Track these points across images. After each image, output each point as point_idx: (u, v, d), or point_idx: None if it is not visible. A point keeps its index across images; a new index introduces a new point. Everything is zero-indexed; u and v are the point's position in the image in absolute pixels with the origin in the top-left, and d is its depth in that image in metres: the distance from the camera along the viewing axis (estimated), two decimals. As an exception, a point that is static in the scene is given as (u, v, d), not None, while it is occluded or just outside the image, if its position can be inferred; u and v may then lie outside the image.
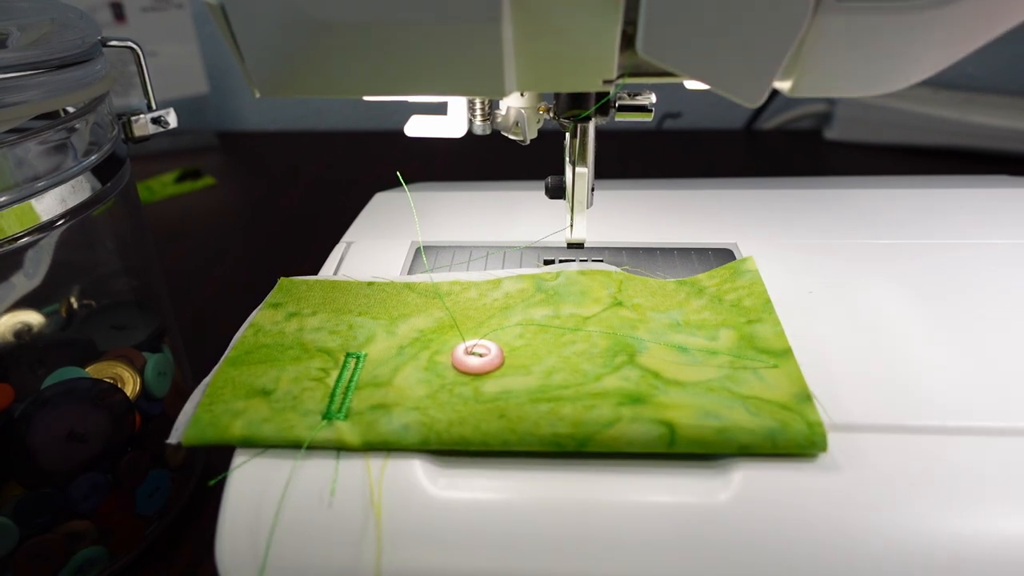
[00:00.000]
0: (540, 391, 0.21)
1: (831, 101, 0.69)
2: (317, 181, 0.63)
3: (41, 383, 0.28)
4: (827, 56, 0.18)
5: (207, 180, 0.64)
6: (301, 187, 0.62)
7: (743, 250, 0.29)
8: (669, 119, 0.73)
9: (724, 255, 0.29)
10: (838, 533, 0.19)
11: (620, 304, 0.25)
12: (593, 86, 0.20)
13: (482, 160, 0.61)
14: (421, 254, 0.30)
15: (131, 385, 0.30)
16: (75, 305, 0.33)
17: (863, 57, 0.18)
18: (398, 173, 0.29)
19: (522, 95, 0.24)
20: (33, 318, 0.31)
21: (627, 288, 0.26)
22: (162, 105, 0.30)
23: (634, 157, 0.65)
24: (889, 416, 0.21)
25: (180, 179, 0.63)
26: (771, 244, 0.30)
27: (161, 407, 0.31)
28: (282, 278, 0.28)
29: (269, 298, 0.27)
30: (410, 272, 0.29)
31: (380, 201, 0.36)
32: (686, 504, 0.19)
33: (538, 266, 0.29)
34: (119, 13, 0.68)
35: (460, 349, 0.23)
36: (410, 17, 0.18)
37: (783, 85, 0.20)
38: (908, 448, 0.20)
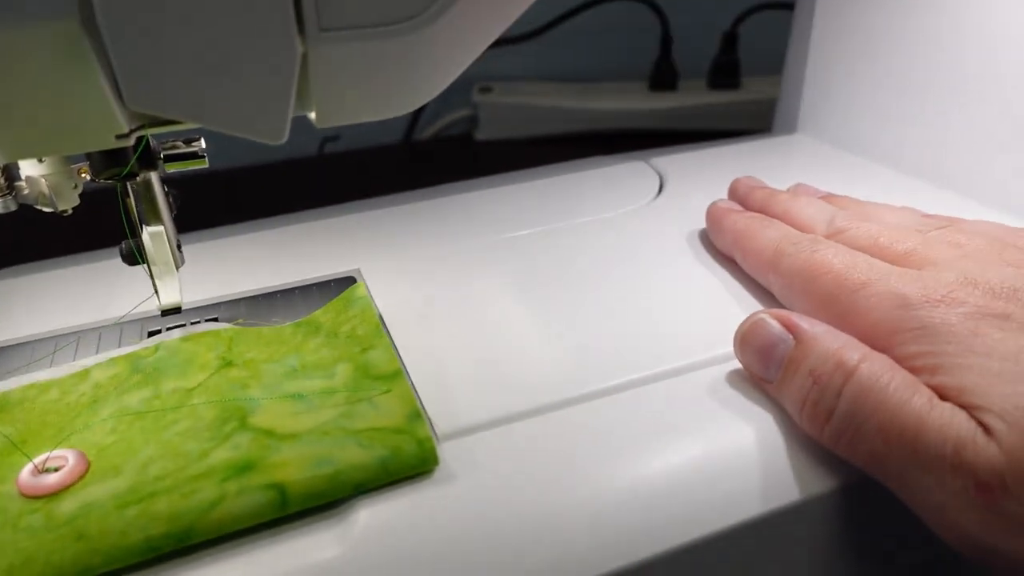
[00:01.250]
0: (131, 492, 0.19)
1: (474, 104, 0.73)
2: None
3: None
4: (338, 83, 0.18)
5: None
6: None
7: (366, 274, 0.29)
8: (329, 143, 0.72)
9: (345, 284, 0.29)
10: (466, 539, 0.19)
11: (230, 364, 0.23)
12: (107, 144, 0.18)
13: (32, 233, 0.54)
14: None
15: None
16: None
17: (372, 80, 0.18)
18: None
19: (40, 161, 0.21)
20: None
21: (238, 344, 0.24)
22: None
23: (295, 187, 0.63)
24: (494, 411, 0.22)
25: None
26: (393, 261, 0.30)
27: None
28: None
29: None
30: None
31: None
32: (305, 567, 0.18)
33: (141, 342, 0.25)
34: None
35: (27, 471, 0.19)
36: None
37: (311, 116, 0.19)
38: (513, 436, 0.21)
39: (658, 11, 0.72)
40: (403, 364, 0.24)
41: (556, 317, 0.26)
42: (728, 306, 0.27)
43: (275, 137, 0.18)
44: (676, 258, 0.30)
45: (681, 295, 0.28)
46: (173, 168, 0.22)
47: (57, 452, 0.20)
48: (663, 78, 0.73)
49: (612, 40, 0.77)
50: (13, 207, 0.21)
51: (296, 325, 0.25)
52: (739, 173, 0.34)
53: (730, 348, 0.24)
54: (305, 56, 0.17)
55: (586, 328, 0.26)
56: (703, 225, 0.31)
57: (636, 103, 0.72)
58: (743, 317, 0.23)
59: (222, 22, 0.16)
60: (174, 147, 0.22)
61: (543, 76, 0.76)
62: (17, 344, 0.26)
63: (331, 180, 0.65)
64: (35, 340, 0.26)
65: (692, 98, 0.71)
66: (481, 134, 0.73)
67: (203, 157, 0.22)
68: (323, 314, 0.26)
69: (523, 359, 0.24)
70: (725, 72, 0.71)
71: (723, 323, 0.25)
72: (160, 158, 0.21)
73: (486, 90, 0.72)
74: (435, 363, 0.24)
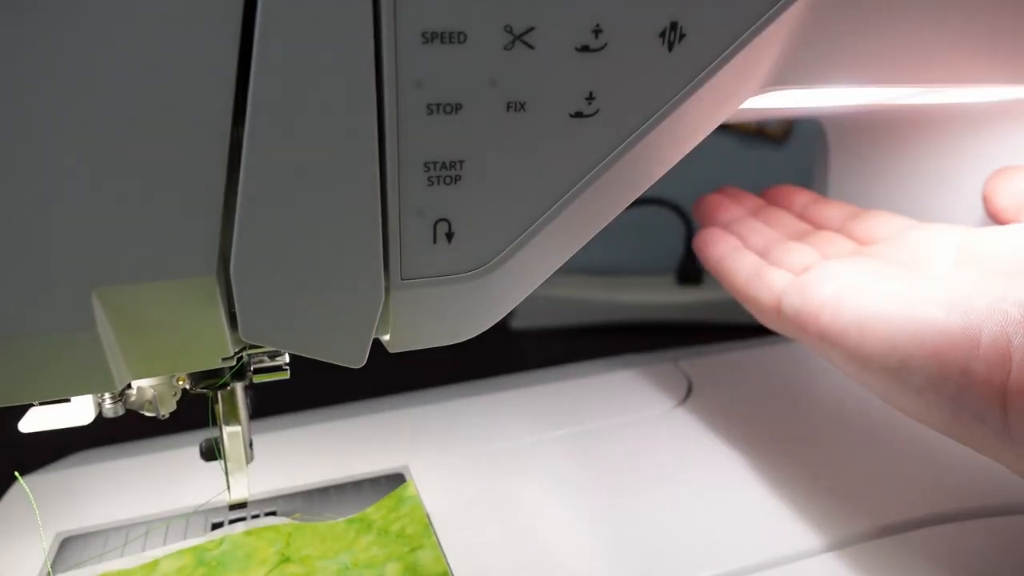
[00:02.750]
0: None
1: None
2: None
3: None
4: (412, 318, 0.21)
5: None
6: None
7: (413, 470, 0.31)
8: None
9: (395, 480, 0.31)
10: None
11: (288, 560, 0.25)
12: (211, 364, 0.21)
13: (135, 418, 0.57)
14: (46, 564, 0.26)
15: None
16: None
17: (443, 315, 0.22)
18: (16, 474, 0.26)
19: (150, 374, 0.24)
20: None
21: (296, 540, 0.26)
22: None
23: (325, 374, 0.66)
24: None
25: None
26: (438, 458, 0.32)
27: None
28: None
29: None
30: (54, 572, 0.26)
31: (21, 489, 0.32)
32: None
33: (206, 533, 0.27)
34: None
35: None
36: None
37: (384, 338, 0.23)
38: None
39: (682, 214, 0.78)
40: (448, 564, 0.25)
41: (594, 524, 0.28)
42: (751, 518, 0.28)
43: (355, 362, 0.21)
44: (702, 465, 0.32)
45: (705, 504, 0.29)
46: (259, 379, 0.25)
47: None
48: (689, 273, 0.77)
49: (639, 237, 0.83)
50: (121, 412, 0.24)
51: (349, 521, 0.27)
52: (766, 377, 0.36)
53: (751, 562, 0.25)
54: (387, 298, 0.21)
55: (623, 534, 0.27)
56: (728, 433, 0.33)
57: (663, 296, 0.76)
58: (765, 528, 0.25)
59: (326, 272, 0.19)
60: (261, 360, 0.25)
61: (574, 269, 0.81)
62: (91, 533, 0.28)
63: (377, 366, 0.68)
64: (107, 529, 0.28)
65: (717, 293, 0.74)
66: (517, 323, 0.78)
67: (286, 370, 0.25)
68: (375, 511, 0.28)
69: (564, 566, 0.25)
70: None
71: (746, 534, 0.26)
72: (251, 371, 0.25)
73: (523, 281, 0.78)
74: (480, 565, 0.25)
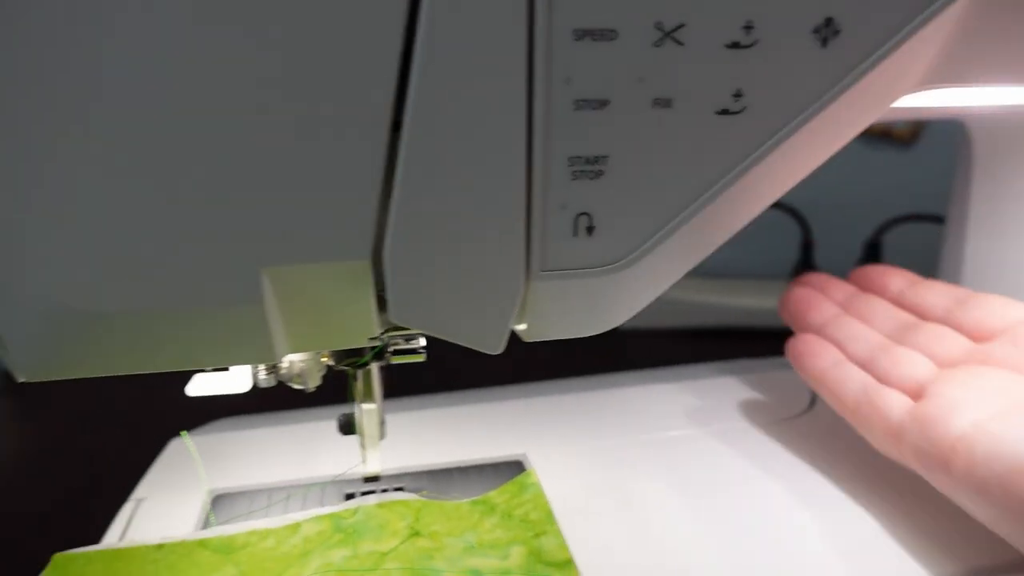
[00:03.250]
0: None
1: None
2: (109, 425, 0.59)
3: None
4: (549, 309, 0.22)
5: (-15, 431, 0.58)
6: (91, 433, 0.58)
7: (532, 459, 0.32)
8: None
9: (515, 467, 0.31)
10: None
11: (417, 534, 0.26)
12: (359, 343, 0.23)
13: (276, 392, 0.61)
14: (210, 518, 0.29)
15: None
16: None
17: (579, 308, 0.22)
18: (183, 433, 0.29)
19: (301, 350, 0.26)
20: None
21: (424, 516, 0.27)
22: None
23: (442, 367, 0.69)
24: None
25: (-49, 433, 0.57)
26: (556, 450, 0.33)
27: None
28: (56, 555, 0.26)
29: None
30: (206, 525, 0.29)
31: (176, 448, 0.35)
32: None
33: (340, 502, 0.29)
34: None
35: None
36: (179, 305, 0.20)
37: (520, 328, 0.23)
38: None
39: (799, 218, 0.75)
40: (571, 552, 0.26)
41: (713, 524, 0.28)
42: (865, 536, 0.27)
43: (493, 349, 0.22)
44: (823, 477, 0.31)
45: (821, 517, 0.28)
46: (397, 360, 0.26)
47: None
48: None
49: (754, 240, 0.81)
50: (273, 383, 0.26)
51: (473, 503, 0.28)
52: None
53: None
54: (526, 288, 0.21)
55: (741, 536, 0.27)
56: (850, 446, 0.32)
57: (776, 301, 0.74)
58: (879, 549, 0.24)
59: (471, 260, 0.20)
60: (398, 343, 0.27)
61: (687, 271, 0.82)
62: (238, 492, 0.31)
63: (487, 357, 0.70)
64: (253, 491, 0.31)
65: None
66: (626, 323, 0.77)
67: (422, 353, 0.26)
68: (498, 495, 0.29)
69: (686, 565, 0.25)
70: (869, 277, 0.72)
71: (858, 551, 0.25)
72: (389, 352, 0.26)
73: (634, 283, 0.78)
74: (601, 556, 0.26)
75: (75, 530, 0.29)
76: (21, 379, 0.21)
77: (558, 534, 0.26)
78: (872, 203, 0.74)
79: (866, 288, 0.35)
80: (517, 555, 0.25)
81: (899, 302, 0.33)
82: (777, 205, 0.78)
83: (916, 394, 0.27)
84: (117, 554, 0.26)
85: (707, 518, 0.28)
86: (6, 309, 0.19)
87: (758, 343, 0.70)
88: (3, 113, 0.17)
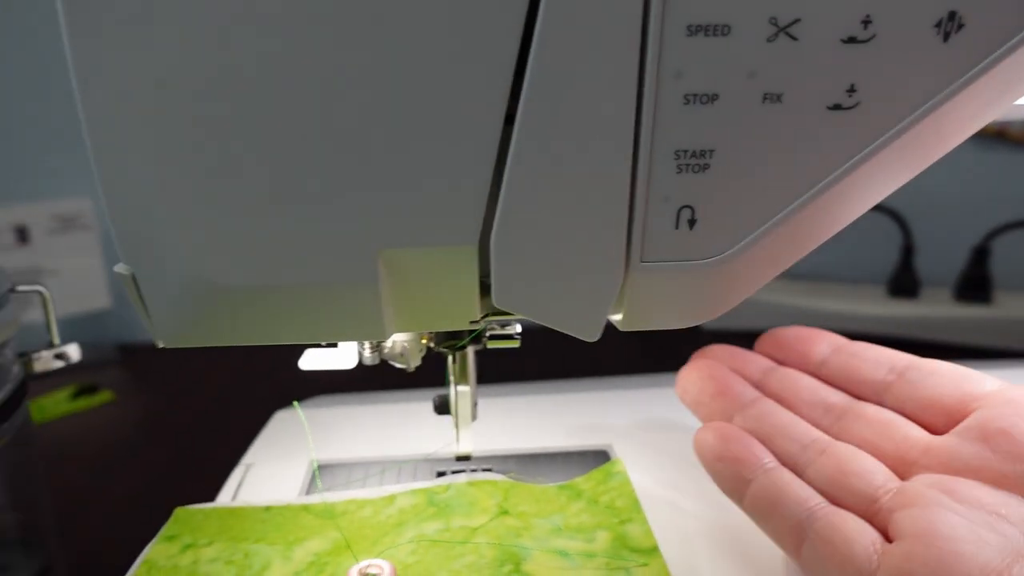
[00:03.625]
0: None
1: None
2: (216, 396, 0.63)
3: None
4: (645, 299, 0.23)
5: (104, 395, 0.63)
6: (200, 402, 0.62)
7: (617, 450, 0.33)
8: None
9: (600, 457, 0.32)
10: None
11: (506, 512, 0.27)
12: (462, 326, 0.24)
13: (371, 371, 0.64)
14: (316, 480, 0.31)
15: (6, 636, 0.29)
16: (-50, 547, 0.32)
17: (675, 299, 0.23)
18: (295, 403, 0.31)
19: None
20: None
21: (512, 496, 0.28)
22: (63, 321, 0.32)
23: (526, 356, 0.70)
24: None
25: (76, 395, 0.62)
26: (640, 442, 0.33)
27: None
28: (178, 508, 0.29)
29: (164, 530, 0.28)
30: (308, 492, 0.31)
31: (279, 420, 0.37)
32: None
33: (431, 479, 0.31)
34: (23, 236, 0.70)
35: (354, 572, 0.24)
36: (301, 281, 0.21)
37: (616, 318, 0.24)
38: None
39: (900, 221, 0.72)
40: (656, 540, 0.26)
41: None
42: None
43: (590, 336, 0.23)
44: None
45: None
46: (493, 345, 0.27)
47: (374, 560, 0.25)
48: (903, 285, 0.71)
49: (850, 242, 0.78)
50: (376, 361, 0.28)
51: (560, 487, 0.29)
52: None
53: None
54: (625, 278, 0.22)
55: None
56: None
57: (872, 308, 0.71)
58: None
59: (573, 249, 0.21)
60: (493, 328, 0.28)
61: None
62: (337, 464, 0.32)
63: (559, 353, 0.71)
64: (351, 463, 0.32)
65: (935, 309, 0.68)
66: (708, 323, 0.76)
67: (517, 339, 0.27)
68: (584, 481, 0.29)
69: (767, 561, 0.25)
70: (974, 285, 0.68)
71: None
72: (486, 337, 0.27)
73: (720, 282, 0.77)
74: (686, 546, 0.26)
75: (188, 488, 0.31)
76: (160, 345, 0.23)
77: (644, 522, 0.26)
78: (981, 207, 0.70)
79: (783, 359, 0.30)
80: (603, 540, 0.26)
81: (825, 375, 0.28)
82: (877, 207, 0.75)
83: (873, 517, 0.22)
84: (230, 512, 0.28)
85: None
86: (152, 282, 0.21)
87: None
88: (162, 115, 0.19)
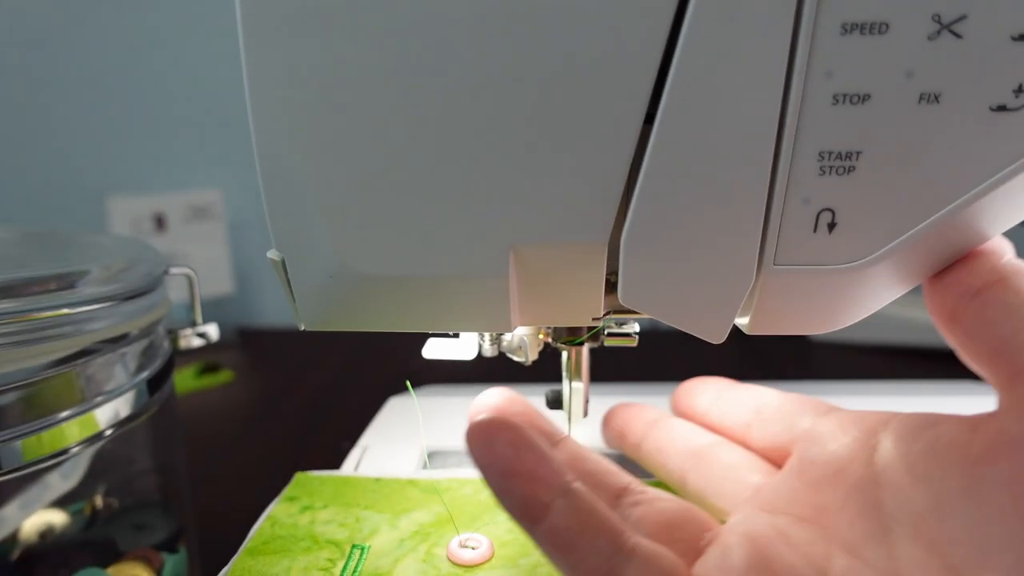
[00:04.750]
0: None
1: None
2: (332, 377, 0.67)
3: (66, 581, 0.29)
4: (775, 304, 0.22)
5: (225, 375, 0.67)
6: (316, 383, 0.65)
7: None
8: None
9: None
10: None
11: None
12: (584, 322, 0.24)
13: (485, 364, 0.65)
14: (426, 465, 0.32)
15: (148, 587, 0.31)
16: (99, 505, 0.35)
17: (806, 305, 0.22)
18: (407, 382, 0.33)
19: (523, 324, 0.28)
20: (57, 518, 0.33)
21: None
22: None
23: (630, 359, 0.69)
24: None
25: (200, 373, 0.67)
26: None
27: (175, 608, 0.32)
28: (298, 473, 0.31)
29: (286, 492, 0.30)
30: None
31: (393, 405, 0.39)
32: None
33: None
34: (160, 223, 0.76)
35: (455, 543, 0.25)
36: (436, 272, 0.22)
37: (742, 321, 0.23)
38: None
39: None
40: None
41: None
42: None
43: (716, 338, 0.22)
44: None
45: None
46: (610, 343, 0.28)
47: (474, 535, 0.26)
48: None
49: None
50: (495, 353, 0.28)
51: (651, 482, 0.29)
52: None
53: None
54: (757, 280, 0.21)
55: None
56: None
57: None
58: None
59: (705, 249, 0.21)
60: (611, 327, 0.28)
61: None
62: (449, 452, 0.34)
63: (663, 356, 0.70)
64: (460, 452, 0.33)
65: None
66: (820, 336, 0.73)
67: (634, 338, 0.27)
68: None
69: None
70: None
71: None
72: (604, 335, 0.27)
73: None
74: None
75: (302, 464, 0.33)
76: (302, 327, 0.24)
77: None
78: None
79: (679, 410, 0.31)
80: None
81: (706, 422, 0.29)
82: None
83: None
84: (344, 480, 0.30)
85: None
86: (299, 268, 0.23)
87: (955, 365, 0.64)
88: (319, 113, 0.20)
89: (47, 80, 0.81)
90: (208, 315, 0.34)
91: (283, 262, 0.23)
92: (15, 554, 0.31)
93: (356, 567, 0.25)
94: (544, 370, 0.32)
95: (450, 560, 0.25)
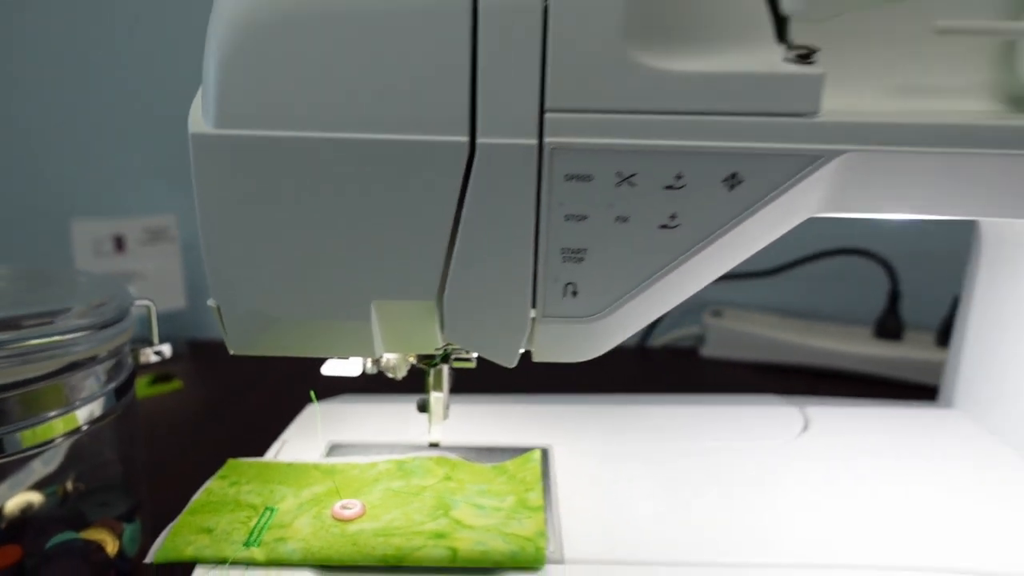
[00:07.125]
0: (383, 531, 0.34)
1: (704, 324, 0.83)
2: (266, 387, 0.76)
3: (46, 543, 0.39)
4: (545, 341, 0.33)
5: (176, 384, 0.76)
6: (253, 391, 0.75)
7: (556, 450, 0.43)
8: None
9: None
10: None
11: (449, 479, 0.39)
12: (429, 350, 0.35)
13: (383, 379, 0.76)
14: (329, 453, 0.43)
15: (111, 547, 0.41)
16: (70, 488, 0.44)
17: (565, 344, 0.33)
18: (312, 393, 0.43)
19: (392, 350, 0.39)
20: (35, 498, 0.43)
21: (457, 470, 0.40)
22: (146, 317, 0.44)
23: (540, 373, 0.80)
24: (603, 554, 0.34)
25: (153, 382, 0.76)
26: (578, 447, 0.44)
27: (131, 564, 0.42)
28: (229, 460, 0.41)
29: (219, 472, 0.40)
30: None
31: (309, 410, 0.49)
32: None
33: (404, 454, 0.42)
34: (120, 244, 0.84)
35: (338, 506, 0.36)
36: (324, 317, 0.33)
37: (526, 349, 0.35)
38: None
39: (888, 267, 0.78)
40: (546, 504, 0.37)
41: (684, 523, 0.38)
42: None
43: (508, 363, 0.34)
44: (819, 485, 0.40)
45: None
46: (455, 365, 0.39)
47: (352, 501, 0.37)
48: (888, 328, 0.76)
49: (840, 286, 0.83)
50: (375, 371, 0.39)
51: (493, 467, 0.40)
52: (879, 436, 0.42)
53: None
54: (532, 327, 0.33)
55: (704, 513, 0.37)
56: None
57: (858, 347, 0.76)
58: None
59: (497, 307, 0.32)
60: (458, 351, 0.39)
61: (771, 309, 0.86)
62: (347, 445, 0.44)
63: (564, 369, 0.81)
64: (356, 444, 0.44)
65: (917, 351, 0.74)
66: (707, 351, 0.82)
67: (472, 361, 0.39)
68: (511, 464, 0.41)
69: (647, 525, 0.36)
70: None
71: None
72: (452, 358, 0.39)
73: (717, 314, 0.84)
74: (583, 526, 0.36)
75: (238, 455, 0.43)
76: (232, 352, 0.35)
77: (540, 491, 0.37)
78: (965, 259, 0.76)
79: None
80: (510, 501, 0.37)
81: None
82: (864, 253, 0.81)
83: None
84: (265, 464, 0.41)
85: (680, 518, 0.38)
86: (227, 306, 0.33)
87: (836, 384, 0.74)
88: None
89: (14, 115, 0.89)
90: (162, 327, 0.44)
91: (218, 308, 0.33)
92: (2, 525, 0.41)
93: (267, 522, 0.35)
94: (419, 383, 0.43)
95: (333, 517, 0.36)
